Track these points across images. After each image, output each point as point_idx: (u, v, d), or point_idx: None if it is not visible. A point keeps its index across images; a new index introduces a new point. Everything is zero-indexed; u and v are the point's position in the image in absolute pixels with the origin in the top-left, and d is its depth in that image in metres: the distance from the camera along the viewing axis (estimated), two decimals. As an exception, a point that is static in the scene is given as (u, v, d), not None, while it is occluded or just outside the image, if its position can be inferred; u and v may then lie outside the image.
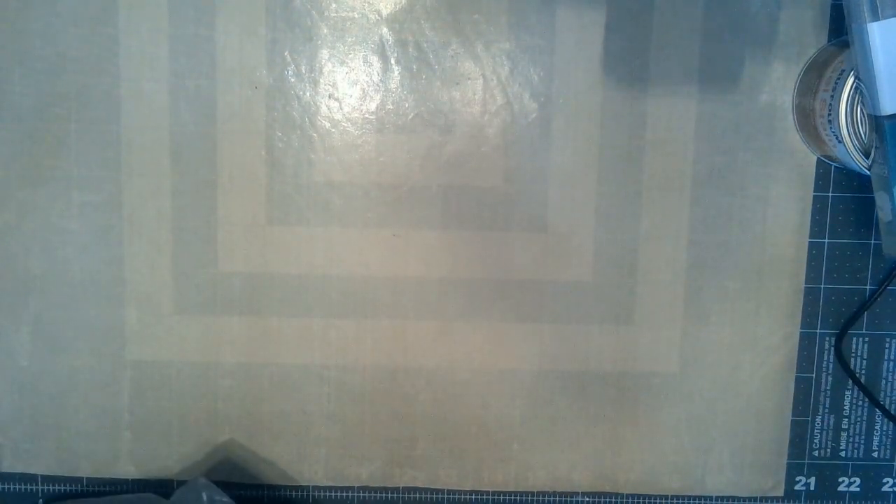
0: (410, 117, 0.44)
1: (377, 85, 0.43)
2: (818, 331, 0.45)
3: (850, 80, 0.37)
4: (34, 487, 0.47)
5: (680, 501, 0.47)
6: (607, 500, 0.47)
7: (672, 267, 0.45)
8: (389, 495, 0.47)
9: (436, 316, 0.45)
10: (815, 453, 0.47)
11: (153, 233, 0.44)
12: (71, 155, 0.44)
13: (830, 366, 0.46)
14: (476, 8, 0.43)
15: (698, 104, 0.43)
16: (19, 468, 0.46)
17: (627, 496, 0.47)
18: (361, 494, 0.47)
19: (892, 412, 0.46)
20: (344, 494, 0.47)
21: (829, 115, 0.39)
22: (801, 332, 0.45)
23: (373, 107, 0.44)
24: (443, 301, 0.45)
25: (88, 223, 0.44)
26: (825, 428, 0.46)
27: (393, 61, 0.43)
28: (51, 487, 0.47)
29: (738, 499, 0.47)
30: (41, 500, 0.47)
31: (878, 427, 0.47)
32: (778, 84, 0.43)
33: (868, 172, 0.38)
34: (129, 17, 0.43)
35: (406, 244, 0.45)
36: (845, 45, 0.39)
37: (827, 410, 0.46)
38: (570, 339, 0.45)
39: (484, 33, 0.43)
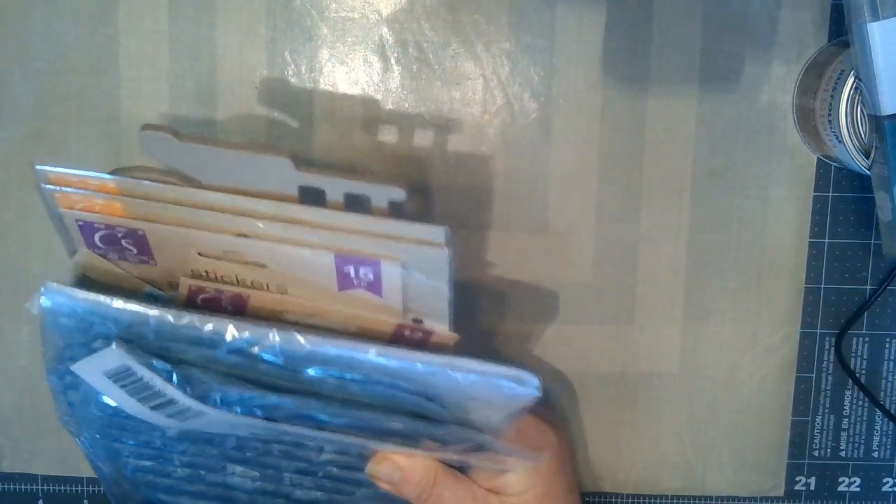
0: (410, 117, 0.44)
1: (377, 85, 0.43)
2: (818, 331, 0.45)
3: (850, 80, 0.37)
4: (34, 487, 0.47)
5: (680, 501, 0.47)
6: (607, 499, 0.47)
7: (672, 267, 0.45)
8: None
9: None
10: (815, 453, 0.47)
11: (153, 233, 0.44)
12: (71, 155, 0.44)
13: (830, 366, 0.46)
14: (476, 8, 0.43)
15: (698, 104, 0.43)
16: (19, 468, 0.46)
17: (627, 496, 0.47)
18: (361, 494, 0.47)
19: (892, 412, 0.46)
20: (344, 494, 0.47)
21: (829, 115, 0.39)
22: (801, 332, 0.45)
23: (373, 107, 0.44)
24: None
25: (88, 223, 0.44)
26: (825, 428, 0.46)
27: (393, 61, 0.43)
28: (51, 487, 0.47)
29: (738, 499, 0.47)
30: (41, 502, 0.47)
31: (878, 427, 0.47)
32: (778, 84, 0.43)
33: (868, 172, 0.38)
34: (129, 17, 0.43)
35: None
36: (845, 45, 0.39)
37: (827, 410, 0.46)
38: (570, 339, 0.45)
39: (484, 33, 0.43)
